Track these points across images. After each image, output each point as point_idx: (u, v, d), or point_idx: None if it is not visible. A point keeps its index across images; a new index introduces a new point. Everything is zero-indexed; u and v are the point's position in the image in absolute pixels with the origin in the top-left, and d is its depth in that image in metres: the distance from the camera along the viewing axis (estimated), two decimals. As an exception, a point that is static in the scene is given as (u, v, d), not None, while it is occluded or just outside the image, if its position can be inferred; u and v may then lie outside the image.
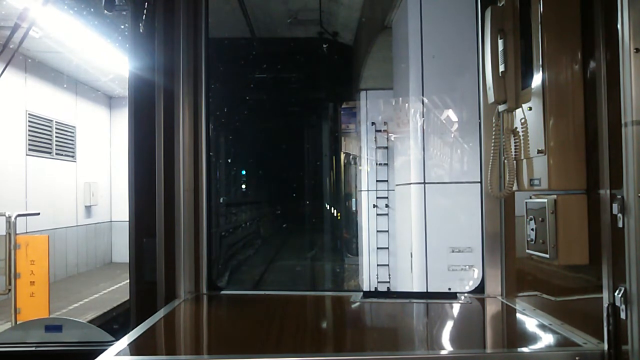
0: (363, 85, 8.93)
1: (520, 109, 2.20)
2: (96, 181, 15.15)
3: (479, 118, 2.72)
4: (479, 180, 2.71)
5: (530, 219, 2.18)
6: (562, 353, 1.89)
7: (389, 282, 8.07)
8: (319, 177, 14.55)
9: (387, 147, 8.41)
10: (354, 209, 11.18)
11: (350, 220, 11.94)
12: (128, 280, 2.76)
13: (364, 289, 7.97)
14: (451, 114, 5.24)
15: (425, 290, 5.10)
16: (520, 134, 2.19)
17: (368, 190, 8.67)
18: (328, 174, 14.29)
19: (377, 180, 8.49)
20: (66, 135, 13.87)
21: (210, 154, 2.91)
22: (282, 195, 17.40)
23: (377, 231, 8.39)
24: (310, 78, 12.06)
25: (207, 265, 2.82)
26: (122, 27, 8.79)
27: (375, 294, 4.33)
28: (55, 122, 13.29)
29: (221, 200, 12.69)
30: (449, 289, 3.75)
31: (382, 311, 2.69)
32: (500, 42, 2.22)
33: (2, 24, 8.70)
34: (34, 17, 2.81)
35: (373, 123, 8.54)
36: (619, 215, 1.67)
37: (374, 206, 8.47)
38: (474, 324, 2.56)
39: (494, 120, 2.33)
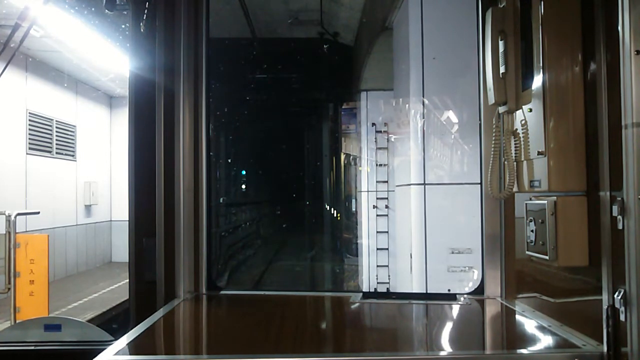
0: (363, 86, 8.93)
1: (521, 110, 2.20)
2: (96, 180, 15.15)
3: (479, 119, 2.72)
4: (479, 182, 2.71)
5: (530, 221, 2.18)
6: (562, 354, 1.89)
7: (388, 283, 8.06)
8: (318, 177, 14.54)
9: (387, 148, 8.41)
10: (353, 209, 11.17)
11: (350, 221, 11.93)
12: (127, 280, 2.76)
13: (364, 290, 7.97)
14: (451, 115, 5.24)
15: (424, 291, 5.09)
16: (521, 135, 2.19)
17: (368, 191, 8.66)
18: (328, 174, 14.28)
19: (377, 181, 8.48)
20: (66, 134, 13.88)
21: (210, 154, 2.91)
22: (282, 195, 17.38)
23: (377, 232, 8.38)
24: (311, 78, 12.05)
25: (207, 265, 2.82)
26: (123, 26, 8.79)
27: (375, 294, 4.33)
28: (56, 121, 13.30)
29: (221, 200, 12.68)
30: (449, 290, 3.75)
31: (382, 312, 2.69)
32: (500, 43, 2.22)
33: (3, 23, 8.71)
34: (35, 16, 2.81)
35: (373, 124, 8.53)
36: (619, 217, 1.67)
37: (374, 207, 8.46)
38: (474, 325, 2.56)
39: (494, 122, 2.33)
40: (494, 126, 2.33)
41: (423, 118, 5.29)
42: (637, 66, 1.60)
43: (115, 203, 15.93)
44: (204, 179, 2.82)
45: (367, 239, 8.57)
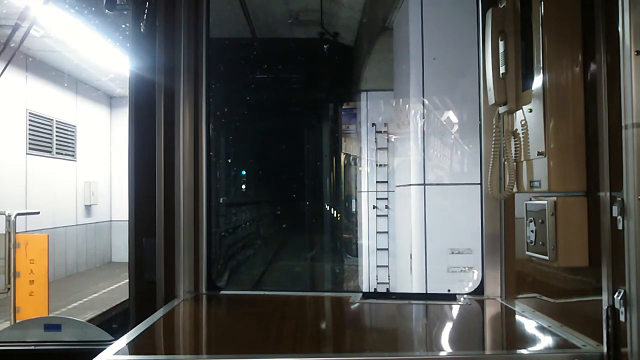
0: (364, 86, 8.94)
1: (521, 110, 2.20)
2: (96, 180, 15.15)
3: (479, 119, 2.72)
4: (479, 182, 2.71)
5: (530, 221, 2.18)
6: (561, 355, 1.89)
7: (388, 283, 8.07)
8: (319, 177, 14.55)
9: (387, 148, 8.41)
10: (353, 210, 11.17)
11: (349, 221, 11.94)
12: (127, 280, 2.76)
13: (364, 290, 7.97)
14: (451, 115, 5.25)
15: (424, 292, 5.10)
16: (521, 135, 2.19)
17: (368, 191, 8.67)
18: (328, 174, 14.29)
19: (377, 182, 8.49)
20: (66, 134, 13.88)
21: (210, 154, 2.91)
22: (282, 195, 17.40)
23: (377, 232, 8.39)
24: (311, 79, 12.05)
25: (207, 265, 2.82)
26: (123, 26, 8.80)
27: (375, 294, 4.33)
28: (56, 121, 13.30)
29: (221, 201, 12.68)
30: (449, 290, 3.75)
31: (382, 312, 2.69)
32: (501, 43, 2.22)
33: (3, 23, 8.71)
34: (35, 16, 2.81)
35: (373, 124, 8.54)
36: (619, 217, 1.67)
37: (374, 207, 8.47)
38: (473, 326, 2.56)
39: (494, 122, 2.33)
40: (494, 126, 2.33)
41: (423, 118, 5.29)
42: (637, 66, 1.60)
43: (115, 203, 15.93)
44: (204, 179, 2.82)
45: (367, 239, 8.57)
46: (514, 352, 2.06)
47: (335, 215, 13.94)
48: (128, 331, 2.12)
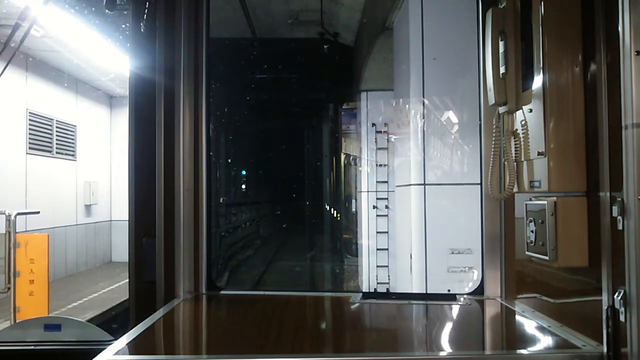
0: (364, 86, 8.92)
1: (521, 110, 2.20)
2: (96, 180, 15.15)
3: (480, 120, 2.72)
4: (479, 182, 2.71)
5: (530, 221, 2.18)
6: (561, 355, 1.89)
7: (388, 283, 8.06)
8: (319, 178, 14.55)
9: (387, 148, 8.41)
10: (353, 210, 11.17)
11: (350, 221, 11.94)
12: (127, 280, 2.76)
13: (364, 290, 7.97)
14: (451, 115, 5.24)
15: (424, 292, 5.09)
16: (521, 135, 2.19)
17: (368, 191, 8.66)
18: (328, 174, 14.29)
19: (377, 181, 8.48)
20: (66, 134, 13.88)
21: (210, 154, 2.91)
22: (282, 195, 17.41)
23: (377, 232, 8.38)
24: (311, 79, 12.05)
25: (207, 265, 2.82)
26: (123, 26, 8.80)
27: (375, 295, 4.32)
28: (56, 120, 13.30)
29: (221, 201, 12.68)
30: (449, 290, 3.75)
31: (382, 312, 2.69)
32: (501, 43, 2.22)
33: (3, 23, 8.71)
34: (35, 16, 2.81)
35: (373, 124, 8.53)
36: (619, 217, 1.67)
37: (374, 207, 8.46)
38: (473, 326, 2.56)
39: (494, 122, 2.34)
40: (494, 126, 2.33)
41: (423, 118, 5.29)
42: (637, 66, 1.60)
43: (115, 203, 15.93)
44: (204, 179, 2.82)
45: (367, 239, 8.57)
46: (514, 352, 2.06)
47: (335, 215, 13.94)
48: (128, 331, 2.12)
